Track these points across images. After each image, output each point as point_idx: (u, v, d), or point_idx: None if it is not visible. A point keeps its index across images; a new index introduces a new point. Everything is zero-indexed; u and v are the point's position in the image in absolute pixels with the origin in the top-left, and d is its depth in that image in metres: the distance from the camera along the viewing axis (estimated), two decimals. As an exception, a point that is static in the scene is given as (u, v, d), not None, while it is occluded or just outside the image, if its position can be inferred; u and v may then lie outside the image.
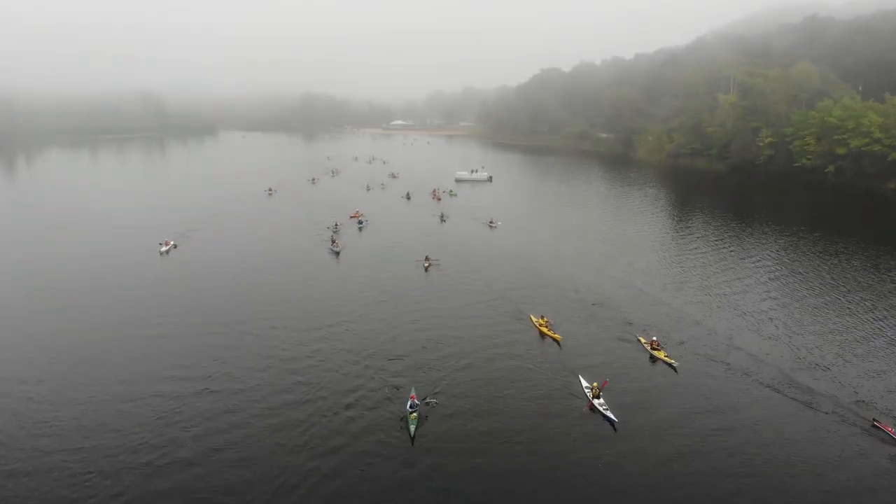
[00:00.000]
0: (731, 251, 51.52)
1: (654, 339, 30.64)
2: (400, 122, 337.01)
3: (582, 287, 40.74)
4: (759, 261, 48.32)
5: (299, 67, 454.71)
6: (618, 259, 48.75)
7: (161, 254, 49.89)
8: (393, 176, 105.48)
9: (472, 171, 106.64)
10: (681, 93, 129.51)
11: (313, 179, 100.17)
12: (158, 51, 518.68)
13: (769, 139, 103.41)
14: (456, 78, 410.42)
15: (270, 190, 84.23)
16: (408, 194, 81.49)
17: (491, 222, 61.47)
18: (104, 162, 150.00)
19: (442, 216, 65.01)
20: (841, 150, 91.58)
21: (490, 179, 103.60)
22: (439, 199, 78.93)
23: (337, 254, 49.35)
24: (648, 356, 29.99)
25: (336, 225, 58.49)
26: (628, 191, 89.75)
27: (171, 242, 51.90)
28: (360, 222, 61.30)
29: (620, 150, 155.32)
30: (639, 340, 31.59)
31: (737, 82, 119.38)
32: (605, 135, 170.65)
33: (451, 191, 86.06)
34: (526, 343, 31.73)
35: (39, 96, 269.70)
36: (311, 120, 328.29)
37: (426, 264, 45.04)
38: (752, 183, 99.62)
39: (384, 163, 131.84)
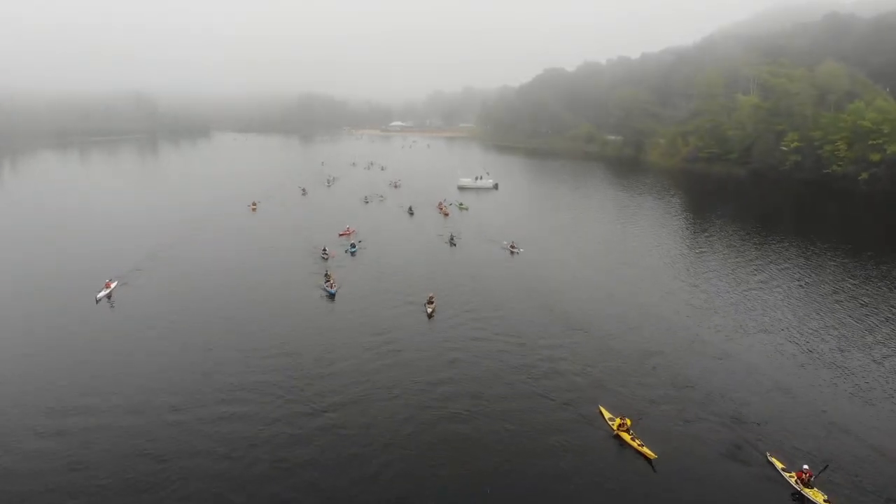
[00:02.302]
0: (794, 279, 44.22)
1: (806, 468, 20.31)
2: (399, 123, 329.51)
3: (635, 337, 32.73)
4: (824, 291, 41.28)
5: (299, 67, 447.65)
6: (661, 291, 41.49)
7: (97, 300, 38.56)
8: (394, 185, 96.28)
9: (477, 178, 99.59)
10: (696, 93, 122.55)
11: (304, 190, 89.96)
12: (158, 51, 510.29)
13: (795, 143, 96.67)
14: (456, 78, 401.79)
15: (254, 204, 74.33)
16: (410, 209, 72.11)
17: (512, 247, 52.21)
18: (78, 168, 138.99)
19: (451, 238, 55.61)
20: (875, 157, 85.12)
21: (496, 187, 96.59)
22: (447, 215, 70.03)
23: (332, 295, 39.35)
24: (792, 494, 20.15)
25: (325, 251, 49.25)
26: (648, 199, 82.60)
27: (112, 284, 40.43)
28: (353, 246, 51.69)
29: (630, 153, 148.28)
30: (772, 464, 21.29)
31: (757, 83, 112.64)
32: (612, 137, 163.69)
33: (460, 204, 76.78)
34: (598, 458, 21.94)
35: (35, 97, 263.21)
36: (308, 121, 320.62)
37: (429, 309, 35.82)
38: (778, 190, 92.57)
39: (382, 169, 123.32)
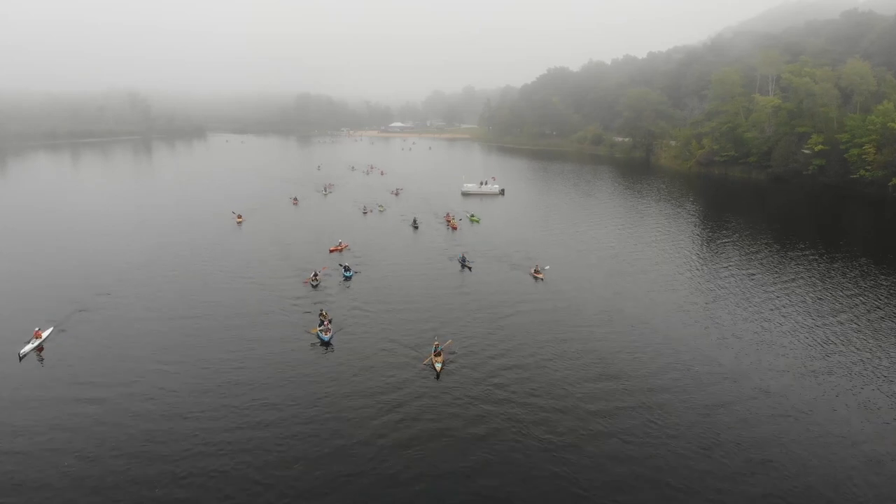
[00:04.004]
0: (850, 306, 38.72)
1: None
2: (399, 124, 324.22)
3: (695, 394, 26.42)
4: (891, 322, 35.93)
5: (297, 67, 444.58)
6: (704, 321, 35.99)
7: (21, 357, 29.92)
8: (395, 193, 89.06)
9: (482, 184, 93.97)
10: (712, 94, 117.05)
11: (295, 199, 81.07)
12: (154, 51, 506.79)
13: (819, 146, 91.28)
14: (455, 79, 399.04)
15: (239, 216, 66.17)
16: (415, 221, 64.25)
17: (536, 272, 44.65)
18: (59, 173, 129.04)
19: (463, 260, 47.54)
20: (907, 161, 79.84)
21: (502, 193, 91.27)
22: (455, 228, 62.52)
23: (326, 344, 31.70)
24: None
25: (315, 276, 42.20)
26: (667, 207, 77.08)
27: (45, 333, 31.71)
28: (348, 269, 44.07)
29: (640, 155, 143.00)
30: None
31: (776, 83, 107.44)
32: (620, 139, 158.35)
33: (472, 216, 68.38)
34: None
35: (27, 97, 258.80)
36: (306, 122, 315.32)
37: (438, 364, 28.32)
38: (803, 196, 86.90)
39: (382, 173, 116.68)
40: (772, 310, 37.83)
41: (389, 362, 29.94)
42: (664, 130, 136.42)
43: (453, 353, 30.63)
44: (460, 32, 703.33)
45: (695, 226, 66.77)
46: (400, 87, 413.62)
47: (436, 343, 30.19)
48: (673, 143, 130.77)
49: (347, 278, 43.31)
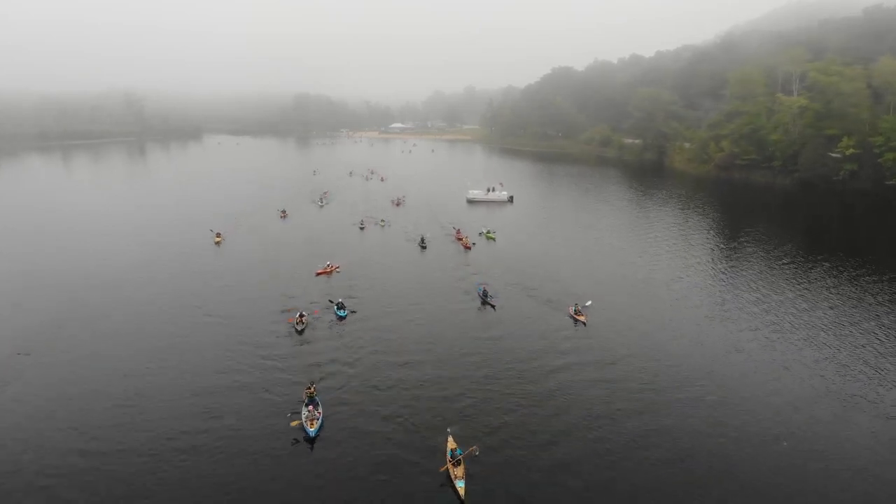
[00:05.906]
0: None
1: None
2: (399, 124, 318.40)
3: None
4: None
5: (298, 67, 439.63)
6: (808, 382, 29.95)
7: None
8: (396, 203, 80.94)
9: (489, 190, 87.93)
10: (731, 93, 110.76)
11: (283, 212, 72.13)
12: (151, 51, 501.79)
13: (850, 150, 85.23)
14: (456, 79, 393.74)
15: (219, 235, 58.09)
16: (422, 239, 56.60)
17: (576, 313, 36.11)
18: (37, 179, 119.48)
19: (485, 295, 39.27)
20: (949, 166, 73.95)
21: (510, 200, 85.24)
22: (468, 247, 55.11)
23: (311, 441, 23.29)
24: None
25: (301, 318, 34.73)
26: (693, 216, 70.69)
27: None
28: (341, 307, 36.80)
29: (651, 157, 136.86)
30: None
31: (800, 82, 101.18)
32: (630, 140, 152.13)
33: (487, 232, 60.59)
34: None
35: (22, 96, 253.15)
36: (304, 122, 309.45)
37: (460, 483, 20.13)
38: (836, 204, 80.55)
39: (383, 180, 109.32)
40: (852, 351, 31.67)
41: (393, 481, 21.06)
42: (677, 132, 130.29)
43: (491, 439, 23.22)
44: (460, 32, 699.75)
45: (730, 239, 60.44)
46: (400, 88, 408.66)
47: (451, 446, 21.84)
48: (687, 145, 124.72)
49: (341, 318, 35.93)
